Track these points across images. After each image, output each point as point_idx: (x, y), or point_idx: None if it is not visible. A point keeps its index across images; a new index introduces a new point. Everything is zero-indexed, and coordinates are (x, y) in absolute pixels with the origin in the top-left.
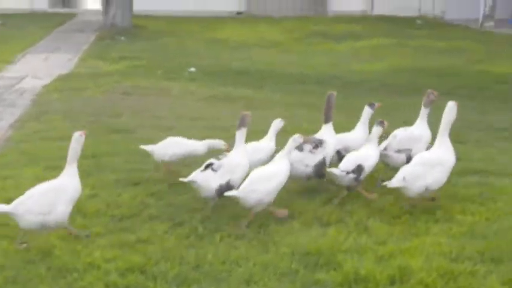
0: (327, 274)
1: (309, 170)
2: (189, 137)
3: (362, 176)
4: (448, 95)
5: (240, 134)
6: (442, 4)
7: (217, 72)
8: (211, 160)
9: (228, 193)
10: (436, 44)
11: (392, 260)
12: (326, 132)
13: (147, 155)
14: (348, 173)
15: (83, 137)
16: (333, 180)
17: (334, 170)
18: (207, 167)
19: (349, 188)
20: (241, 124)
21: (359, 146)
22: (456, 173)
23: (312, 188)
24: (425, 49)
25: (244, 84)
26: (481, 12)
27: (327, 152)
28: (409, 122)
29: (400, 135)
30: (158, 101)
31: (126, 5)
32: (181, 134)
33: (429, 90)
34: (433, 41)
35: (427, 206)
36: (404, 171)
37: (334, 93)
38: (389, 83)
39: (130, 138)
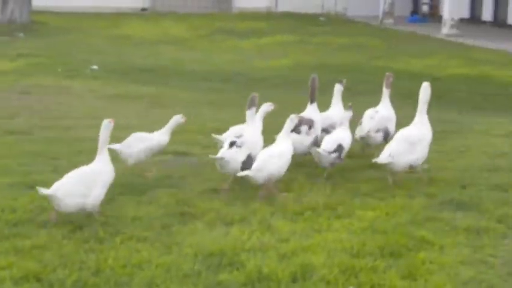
0: (230, 274)
1: (306, 149)
2: (92, 136)
3: (343, 155)
4: (349, 90)
5: (251, 113)
6: (344, 1)
7: (120, 69)
8: (233, 138)
9: (242, 173)
10: (338, 41)
11: (295, 258)
12: (312, 112)
13: (44, 156)
14: (330, 152)
15: (112, 123)
16: (318, 159)
17: (319, 150)
18: (231, 145)
19: (332, 165)
20: (251, 104)
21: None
22: (358, 168)
23: (215, 187)
24: (327, 45)
25: (148, 82)
26: (381, 9)
27: (317, 131)
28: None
29: (378, 115)
30: (58, 100)
31: (25, 0)
32: (81, 134)
33: (387, 74)
34: (335, 38)
35: (328, 203)
36: (390, 148)
37: (316, 76)
38: (292, 79)
39: (26, 140)
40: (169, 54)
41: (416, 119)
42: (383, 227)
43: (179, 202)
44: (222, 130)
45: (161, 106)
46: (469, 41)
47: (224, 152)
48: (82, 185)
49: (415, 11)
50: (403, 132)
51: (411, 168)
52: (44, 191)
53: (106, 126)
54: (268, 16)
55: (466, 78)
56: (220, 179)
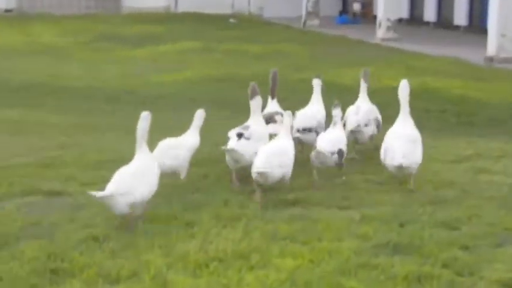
0: None
1: None
2: None
3: (343, 159)
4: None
5: (255, 103)
6: (259, 0)
7: None
8: (240, 130)
9: (258, 169)
10: (253, 48)
11: None
12: (274, 109)
13: None
14: (333, 154)
15: (150, 116)
16: (320, 160)
17: (323, 150)
18: (239, 136)
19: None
20: (253, 93)
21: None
22: (277, 204)
23: (96, 235)
24: (239, 54)
25: (13, 104)
26: (304, 9)
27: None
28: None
29: (362, 109)
30: None
31: None
32: None
33: (364, 69)
34: (248, 44)
35: (239, 250)
36: (401, 149)
37: (276, 70)
38: (195, 96)
39: None
40: (41, 67)
41: (402, 119)
42: (306, 277)
43: (50, 256)
44: (108, 162)
45: (24, 133)
46: (409, 46)
47: (235, 144)
48: (137, 183)
49: (345, 10)
50: (404, 131)
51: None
52: (99, 193)
53: (144, 118)
54: (167, 18)
55: None
56: (103, 224)
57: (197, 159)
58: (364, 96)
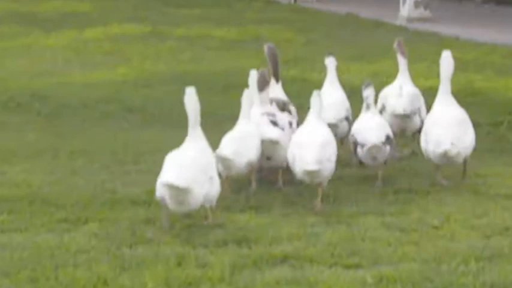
0: None
1: None
2: None
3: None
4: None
5: (264, 96)
6: None
7: None
8: (271, 117)
9: (309, 167)
10: (220, 33)
11: None
12: (280, 94)
13: None
14: (383, 143)
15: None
16: (374, 155)
17: (376, 143)
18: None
19: (386, 162)
20: (263, 83)
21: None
22: (254, 260)
23: None
24: (201, 41)
25: None
26: None
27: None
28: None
29: (407, 92)
30: None
31: None
32: None
33: (397, 40)
34: (215, 28)
35: None
36: (449, 135)
37: (272, 44)
38: (133, 104)
39: None
40: None
41: (441, 98)
42: None
43: None
44: None
45: None
46: (447, 29)
47: (274, 132)
48: (206, 172)
49: None
50: (448, 112)
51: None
52: (179, 183)
53: (191, 94)
54: None
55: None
56: None
57: (134, 198)
58: (406, 75)
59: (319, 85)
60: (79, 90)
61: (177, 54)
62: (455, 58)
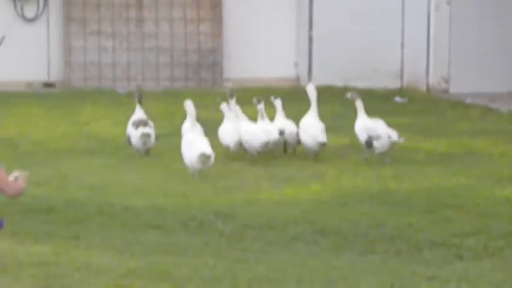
0: None
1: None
2: None
3: None
4: None
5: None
6: None
7: None
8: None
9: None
10: (428, 145)
11: None
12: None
13: None
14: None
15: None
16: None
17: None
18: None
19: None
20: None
21: None
22: None
23: None
24: (410, 153)
25: None
26: None
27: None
28: None
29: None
30: None
31: None
32: None
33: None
34: (422, 138)
35: None
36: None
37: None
38: (329, 226)
39: None
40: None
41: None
42: None
43: None
44: None
45: None
46: None
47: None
48: None
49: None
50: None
51: None
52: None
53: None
54: (293, 93)
55: None
56: None
57: None
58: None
59: None
60: (266, 209)
61: (377, 170)
62: None
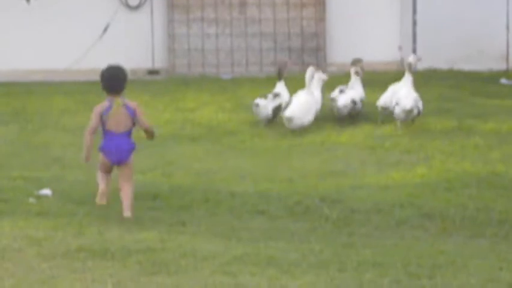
0: None
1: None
2: None
3: None
4: None
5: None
6: None
7: None
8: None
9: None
10: None
11: None
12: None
13: None
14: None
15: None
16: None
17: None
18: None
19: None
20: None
21: None
22: None
23: None
24: None
25: None
26: None
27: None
28: None
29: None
30: None
31: None
32: None
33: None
34: None
35: None
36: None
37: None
38: (435, 210)
39: None
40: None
41: None
42: None
43: None
44: None
45: None
46: None
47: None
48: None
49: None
50: None
51: None
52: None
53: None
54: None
55: None
56: None
57: None
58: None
59: None
60: (373, 194)
61: (485, 153)
62: None
